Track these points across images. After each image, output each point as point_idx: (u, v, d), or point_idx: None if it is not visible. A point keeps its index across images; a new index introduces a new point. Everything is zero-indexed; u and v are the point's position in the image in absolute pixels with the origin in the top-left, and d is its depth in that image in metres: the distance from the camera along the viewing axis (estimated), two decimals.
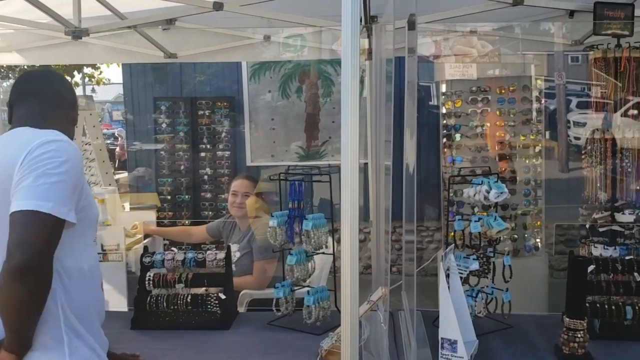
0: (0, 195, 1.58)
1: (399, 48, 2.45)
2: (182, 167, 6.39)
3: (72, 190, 1.58)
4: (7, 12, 3.71)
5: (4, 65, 10.12)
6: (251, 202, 3.64)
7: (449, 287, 2.19)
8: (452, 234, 2.63)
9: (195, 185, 6.40)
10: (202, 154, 6.41)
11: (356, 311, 1.80)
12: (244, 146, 6.51)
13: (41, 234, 1.49)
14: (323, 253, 2.69)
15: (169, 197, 6.34)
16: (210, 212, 6.29)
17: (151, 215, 4.47)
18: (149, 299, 2.68)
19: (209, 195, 6.37)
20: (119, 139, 13.43)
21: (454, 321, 2.09)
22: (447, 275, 2.25)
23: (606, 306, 2.43)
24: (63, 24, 3.42)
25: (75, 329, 1.64)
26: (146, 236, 4.03)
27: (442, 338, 2.13)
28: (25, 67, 13.34)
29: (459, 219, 2.53)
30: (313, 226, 2.55)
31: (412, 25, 2.21)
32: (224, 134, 6.39)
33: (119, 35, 4.39)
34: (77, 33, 3.45)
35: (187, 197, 6.37)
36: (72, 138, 1.83)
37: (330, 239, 2.66)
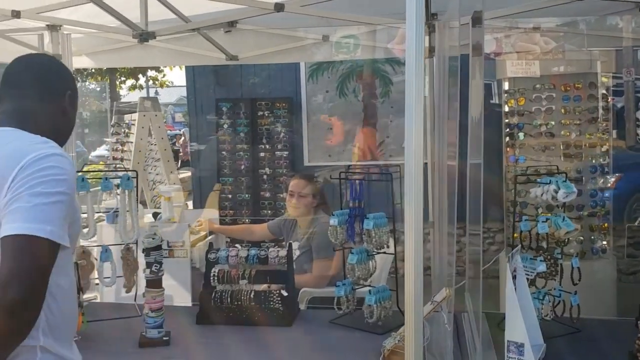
0: None
1: (462, 45, 2.41)
2: (242, 167, 6.50)
3: (67, 210, 1.42)
4: (78, 17, 3.87)
5: (74, 69, 10.56)
6: (307, 202, 3.67)
7: (515, 289, 2.13)
8: (515, 235, 2.57)
9: (255, 184, 6.50)
10: (262, 154, 6.51)
11: (420, 311, 1.78)
12: (301, 146, 6.56)
13: (38, 262, 1.32)
14: (384, 252, 2.68)
15: (229, 196, 6.47)
16: (270, 211, 6.38)
17: (214, 213, 4.56)
18: (213, 294, 2.74)
19: (268, 194, 6.46)
20: (182, 138, 13.78)
21: (521, 324, 2.04)
22: (514, 277, 2.20)
23: None
24: (131, 28, 3.54)
25: (51, 348, 1.49)
26: (209, 234, 4.12)
27: (508, 341, 2.08)
28: (93, 70, 13.94)
29: (525, 220, 2.47)
30: (374, 225, 2.54)
31: (477, 22, 2.17)
32: (282, 134, 6.46)
33: (182, 39, 4.50)
34: (144, 36, 3.56)
35: (247, 196, 6.47)
36: (65, 132, 1.70)
37: (391, 239, 2.64)
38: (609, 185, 4.81)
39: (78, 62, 4.66)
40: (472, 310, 2.60)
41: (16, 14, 3.41)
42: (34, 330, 1.40)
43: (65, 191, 1.41)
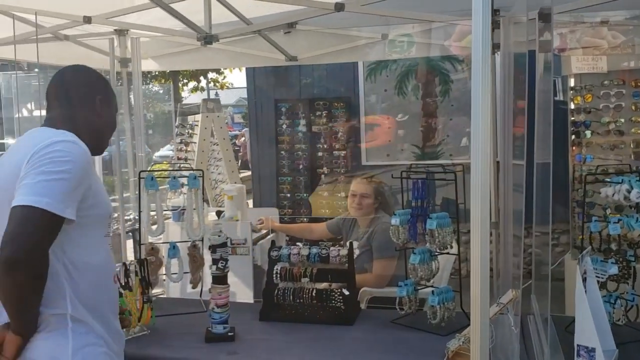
0: (7, 193, 1.64)
1: (529, 40, 2.35)
2: (300, 167, 6.56)
3: (72, 188, 1.62)
4: (145, 21, 4.00)
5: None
6: (369, 203, 3.67)
7: (585, 292, 2.07)
8: (581, 236, 2.48)
9: (313, 183, 6.54)
10: (320, 154, 6.55)
11: (486, 313, 1.76)
12: (359, 146, 6.56)
13: (34, 229, 1.54)
14: (447, 253, 2.65)
15: (288, 195, 6.54)
16: (327, 210, 6.41)
17: (274, 212, 4.63)
18: (276, 291, 2.78)
19: (325, 193, 6.49)
20: (242, 138, 14.00)
21: (592, 328, 1.97)
22: (584, 280, 2.13)
23: None
24: (195, 31, 3.63)
25: (82, 318, 1.70)
26: (270, 232, 4.18)
27: (578, 345, 2.02)
28: (157, 72, 14.35)
29: (595, 220, 2.38)
30: (437, 225, 2.52)
31: (545, 18, 2.12)
32: (340, 134, 6.49)
33: (243, 41, 4.57)
34: (208, 39, 3.65)
35: (305, 195, 6.53)
36: (105, 131, 1.94)
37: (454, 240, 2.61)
38: None
39: (144, 65, 4.81)
40: (538, 312, 2.54)
41: (87, 20, 3.56)
42: (61, 299, 1.66)
43: (69, 170, 1.63)
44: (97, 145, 1.94)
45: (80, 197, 1.66)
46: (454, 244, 2.68)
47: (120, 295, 2.52)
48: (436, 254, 2.63)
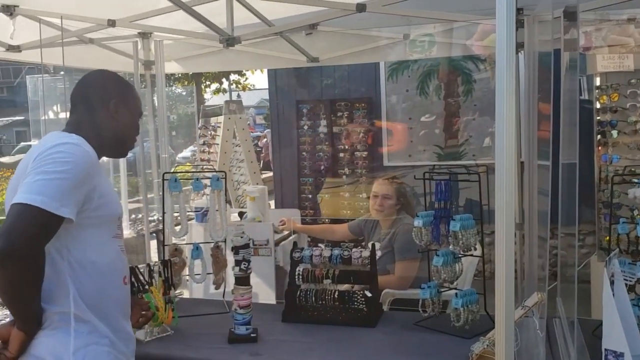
0: (15, 194, 1.68)
1: (554, 39, 2.32)
2: (322, 167, 6.56)
3: (71, 188, 1.64)
4: (168, 24, 4.03)
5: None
6: (391, 204, 3.65)
7: (613, 295, 2.03)
8: (608, 237, 2.43)
9: (334, 185, 6.53)
10: (341, 155, 6.54)
11: (512, 315, 1.73)
12: (380, 146, 6.53)
13: (27, 225, 1.57)
14: (471, 255, 2.62)
15: (310, 196, 6.54)
16: (349, 211, 6.40)
17: (295, 213, 4.63)
18: (298, 292, 2.79)
19: (347, 194, 6.48)
20: (265, 140, 14.01)
21: (620, 332, 1.93)
22: (611, 282, 2.09)
23: None
24: (218, 33, 3.65)
25: (86, 317, 1.71)
26: (292, 233, 4.18)
27: (605, 349, 1.98)
28: (180, 74, 14.47)
29: (623, 222, 2.34)
30: (461, 227, 2.49)
31: (571, 16, 2.08)
32: (361, 135, 6.47)
33: (265, 42, 4.58)
34: (230, 41, 3.66)
35: (326, 196, 6.53)
36: (124, 134, 1.95)
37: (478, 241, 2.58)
38: None
39: (168, 67, 4.85)
40: (564, 315, 2.50)
41: (112, 23, 3.60)
42: (65, 297, 1.69)
43: (69, 170, 1.65)
44: (116, 148, 1.98)
45: (83, 197, 1.69)
46: (478, 246, 2.65)
47: (145, 291, 2.54)
48: (460, 256, 2.61)
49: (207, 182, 3.02)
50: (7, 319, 1.77)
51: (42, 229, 1.60)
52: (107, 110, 1.90)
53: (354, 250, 2.82)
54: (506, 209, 1.61)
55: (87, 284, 1.72)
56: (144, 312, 2.09)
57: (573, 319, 2.22)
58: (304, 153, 6.62)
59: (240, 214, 4.26)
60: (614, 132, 4.60)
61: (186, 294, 3.42)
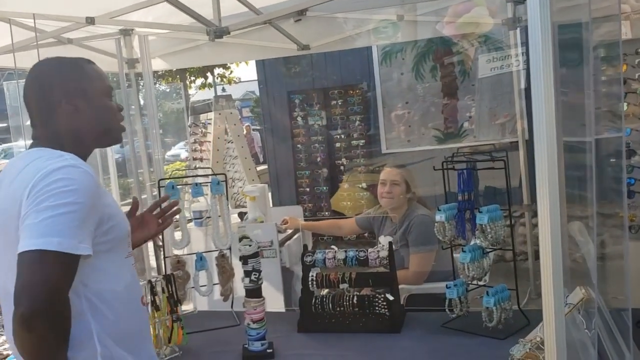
0: (5, 234, 1.45)
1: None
2: (318, 159, 6.36)
3: (83, 220, 1.41)
4: (151, 19, 3.81)
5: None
6: (401, 190, 3.45)
7: None
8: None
9: (332, 176, 6.34)
10: (337, 145, 6.35)
11: (562, 315, 1.55)
12: (378, 133, 6.32)
13: (49, 275, 1.34)
14: (501, 249, 2.42)
15: (307, 190, 6.34)
16: (349, 203, 6.20)
17: (298, 210, 4.42)
18: (313, 300, 2.58)
19: (346, 185, 6.28)
20: (245, 132, 13.75)
21: None
22: None
23: None
24: (205, 24, 3.43)
25: (113, 353, 1.51)
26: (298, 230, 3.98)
27: None
28: (164, 71, 14.15)
29: None
30: (489, 220, 2.28)
31: None
32: (357, 123, 6.26)
33: (253, 32, 4.40)
34: (218, 32, 3.44)
35: (325, 188, 6.33)
36: (93, 128, 1.62)
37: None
38: None
39: (153, 64, 4.63)
40: (605, 308, 2.31)
41: (90, 21, 3.37)
42: (88, 339, 1.47)
43: (77, 200, 1.40)
44: (102, 140, 1.68)
45: (95, 226, 1.47)
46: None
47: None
48: (489, 250, 2.40)
49: (205, 183, 2.80)
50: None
51: (66, 275, 1.38)
52: (63, 112, 1.58)
53: (370, 250, 2.62)
54: (549, 191, 1.44)
55: (110, 316, 1.51)
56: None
57: (622, 308, 2.03)
58: (298, 145, 6.41)
59: (241, 215, 4.04)
60: (624, 105, 4.42)
61: (191, 308, 3.20)
